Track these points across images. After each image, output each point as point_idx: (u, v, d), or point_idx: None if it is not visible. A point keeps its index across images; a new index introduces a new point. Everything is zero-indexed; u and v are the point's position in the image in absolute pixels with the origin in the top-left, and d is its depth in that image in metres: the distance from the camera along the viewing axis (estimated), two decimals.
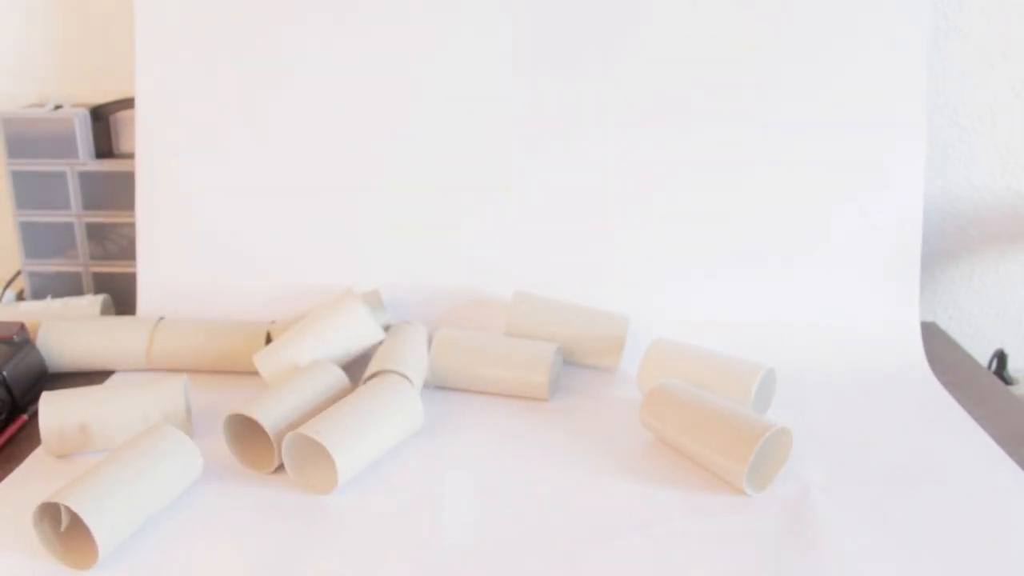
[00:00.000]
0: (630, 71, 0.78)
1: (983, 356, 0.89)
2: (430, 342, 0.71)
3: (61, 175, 0.83)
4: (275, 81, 0.79)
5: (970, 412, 0.69)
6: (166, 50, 0.79)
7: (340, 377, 0.66)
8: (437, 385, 0.71)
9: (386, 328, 0.74)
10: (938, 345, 0.82)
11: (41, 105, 0.83)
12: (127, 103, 0.83)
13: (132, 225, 0.83)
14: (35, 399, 0.65)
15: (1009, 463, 0.62)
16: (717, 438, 0.58)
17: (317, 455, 0.59)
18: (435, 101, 0.79)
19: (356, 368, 0.70)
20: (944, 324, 0.92)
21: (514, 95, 0.79)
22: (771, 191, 0.79)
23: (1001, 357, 0.89)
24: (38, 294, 0.86)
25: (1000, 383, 0.77)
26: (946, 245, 0.90)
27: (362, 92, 0.79)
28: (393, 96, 0.79)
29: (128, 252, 0.85)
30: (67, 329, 0.73)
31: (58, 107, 0.82)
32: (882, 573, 0.50)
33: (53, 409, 0.59)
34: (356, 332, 0.69)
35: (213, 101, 0.79)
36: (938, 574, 0.50)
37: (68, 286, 0.87)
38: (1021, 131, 0.87)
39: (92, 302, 0.79)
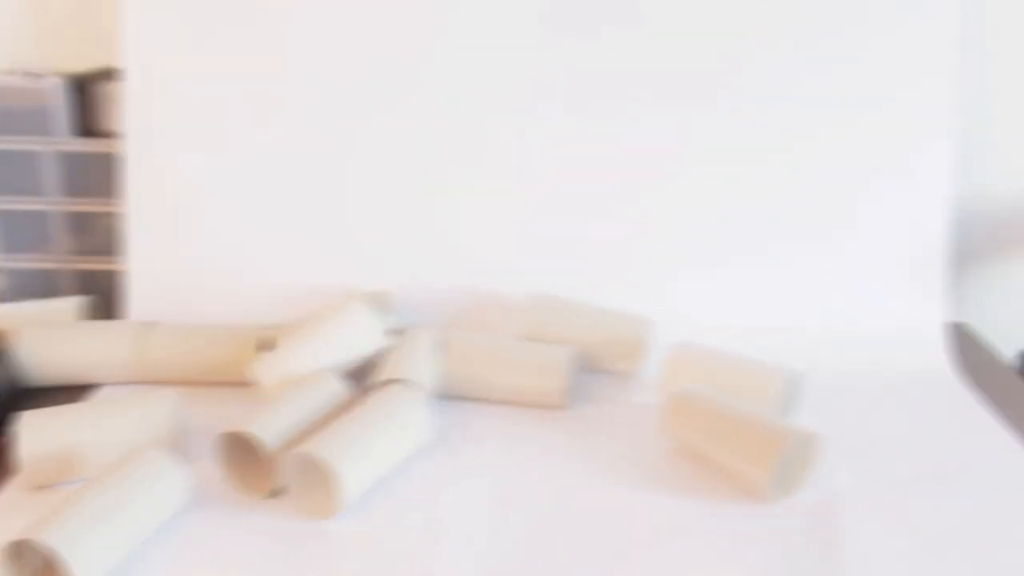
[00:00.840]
0: (642, 56, 0.75)
1: (1011, 357, 0.87)
2: (441, 348, 0.68)
3: (35, 155, 0.76)
4: (276, 69, 0.75)
5: (997, 414, 0.67)
6: (156, 26, 0.73)
7: (341, 389, 0.61)
8: (447, 395, 0.67)
9: (395, 332, 0.70)
10: (966, 346, 0.79)
11: (12, 72, 0.76)
12: (110, 74, 0.77)
13: (115, 215, 0.76)
14: (9, 419, 0.58)
15: None
16: (741, 445, 0.57)
17: (318, 474, 0.55)
18: (437, 97, 0.76)
19: (361, 377, 0.66)
20: (973, 325, 0.90)
21: (517, 90, 0.75)
22: (794, 189, 0.77)
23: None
24: (7, 294, 0.79)
25: None
26: (975, 245, 0.87)
27: (363, 85, 0.75)
28: (394, 90, 0.75)
29: (112, 247, 0.78)
30: (47, 338, 0.66)
31: (32, 75, 0.75)
32: None
33: (33, 433, 0.54)
34: (359, 338, 0.65)
35: (208, 86, 0.74)
36: None
37: (43, 285, 0.79)
38: None
39: (69, 305, 0.71)
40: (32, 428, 0.55)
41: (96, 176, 0.76)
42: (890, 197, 0.77)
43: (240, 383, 0.66)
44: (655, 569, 0.50)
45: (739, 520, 0.55)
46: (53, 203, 0.77)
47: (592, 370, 0.72)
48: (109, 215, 0.77)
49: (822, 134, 0.77)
